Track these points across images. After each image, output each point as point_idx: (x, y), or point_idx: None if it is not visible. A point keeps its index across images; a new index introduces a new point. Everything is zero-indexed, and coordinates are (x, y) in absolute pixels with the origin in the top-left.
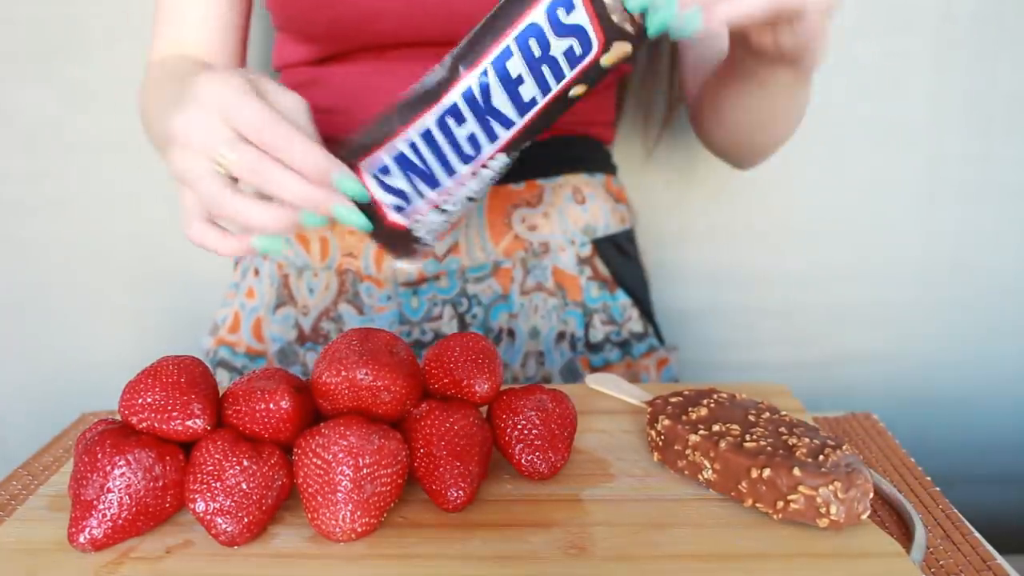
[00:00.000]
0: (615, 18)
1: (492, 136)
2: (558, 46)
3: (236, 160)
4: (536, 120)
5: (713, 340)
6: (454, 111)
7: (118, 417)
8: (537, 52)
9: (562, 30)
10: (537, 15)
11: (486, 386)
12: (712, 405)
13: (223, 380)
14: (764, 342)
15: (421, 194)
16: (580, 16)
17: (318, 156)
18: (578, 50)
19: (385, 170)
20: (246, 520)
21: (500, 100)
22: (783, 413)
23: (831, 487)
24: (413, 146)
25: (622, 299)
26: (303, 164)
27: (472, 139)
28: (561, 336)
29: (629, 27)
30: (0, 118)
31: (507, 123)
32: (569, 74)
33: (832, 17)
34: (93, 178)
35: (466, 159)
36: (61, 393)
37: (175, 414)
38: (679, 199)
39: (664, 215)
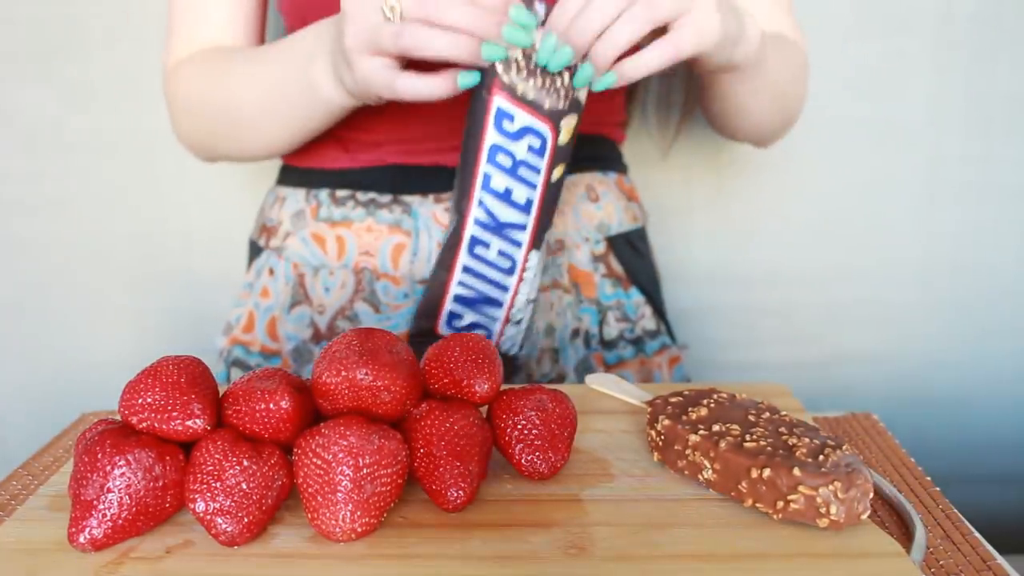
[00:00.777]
0: (548, 104)
1: (516, 243)
2: (520, 150)
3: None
4: (541, 213)
5: (714, 340)
6: (477, 241)
7: (118, 417)
8: (508, 163)
9: (515, 136)
10: (491, 137)
11: (486, 386)
12: (712, 405)
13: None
14: (764, 342)
15: (493, 318)
16: (522, 118)
17: None
18: (536, 144)
19: (458, 316)
20: (246, 520)
21: (504, 212)
22: (783, 413)
23: (831, 487)
24: (464, 284)
25: (636, 296)
26: None
27: (503, 254)
28: (576, 333)
29: (563, 104)
30: (0, 118)
31: (520, 227)
32: (542, 165)
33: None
34: (93, 178)
35: (508, 271)
36: (61, 393)
37: (175, 414)
38: (680, 200)
39: (666, 216)
